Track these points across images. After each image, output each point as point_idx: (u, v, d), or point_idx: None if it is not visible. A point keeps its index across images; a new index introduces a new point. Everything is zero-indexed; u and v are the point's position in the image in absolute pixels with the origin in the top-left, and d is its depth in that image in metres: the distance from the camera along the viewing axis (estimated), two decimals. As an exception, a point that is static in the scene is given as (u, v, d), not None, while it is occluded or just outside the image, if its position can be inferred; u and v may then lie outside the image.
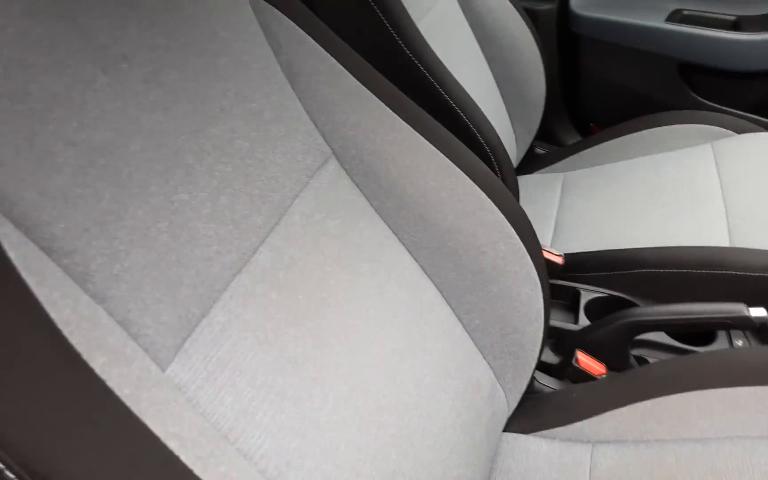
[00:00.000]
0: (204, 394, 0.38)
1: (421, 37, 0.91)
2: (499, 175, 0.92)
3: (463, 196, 0.61)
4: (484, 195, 0.61)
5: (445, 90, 0.90)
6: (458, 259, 0.61)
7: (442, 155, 0.61)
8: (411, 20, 0.90)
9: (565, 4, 1.34)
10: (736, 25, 1.19)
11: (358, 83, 0.59)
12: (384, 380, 0.52)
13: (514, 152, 1.23)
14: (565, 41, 1.37)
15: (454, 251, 0.61)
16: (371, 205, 0.60)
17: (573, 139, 1.43)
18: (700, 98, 1.23)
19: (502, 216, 0.61)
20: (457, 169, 0.61)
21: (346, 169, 0.60)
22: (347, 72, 0.59)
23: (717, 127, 1.06)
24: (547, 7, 1.34)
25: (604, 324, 0.72)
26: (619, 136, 1.15)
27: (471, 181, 0.61)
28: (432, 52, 0.91)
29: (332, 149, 0.59)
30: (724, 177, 0.96)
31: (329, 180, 0.58)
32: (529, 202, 1.13)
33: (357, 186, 0.60)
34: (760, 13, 1.19)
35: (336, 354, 0.49)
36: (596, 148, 1.18)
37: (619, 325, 0.70)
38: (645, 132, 1.12)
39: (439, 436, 0.54)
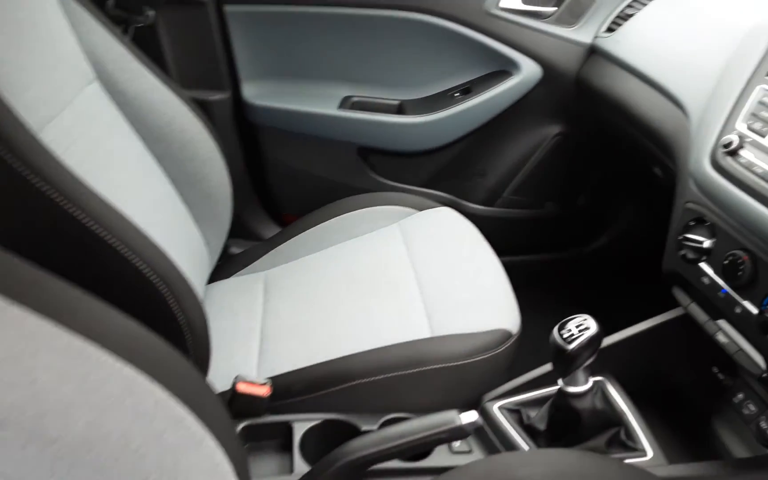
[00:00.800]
0: None
1: (43, 147, 0.67)
2: (178, 313, 0.73)
3: (100, 385, 0.42)
4: (134, 372, 0.44)
5: (89, 215, 0.68)
6: (106, 474, 0.43)
7: (58, 329, 0.42)
8: (22, 125, 0.66)
9: (238, 94, 1.26)
10: (400, 109, 1.27)
11: None
12: None
13: (206, 258, 1.08)
14: (244, 131, 1.29)
15: (97, 467, 0.42)
16: None
17: (271, 231, 1.34)
18: (382, 179, 1.28)
19: (165, 394, 0.45)
20: (87, 344, 0.43)
21: None
22: None
23: (400, 207, 1.09)
24: (218, 97, 1.24)
25: (319, 473, 0.60)
26: (314, 225, 1.11)
27: (113, 357, 0.43)
28: (62, 167, 0.68)
29: None
30: (414, 257, 0.98)
31: None
32: (229, 314, 1.00)
33: None
34: (418, 97, 1.28)
35: None
36: (294, 240, 1.11)
37: (336, 471, 0.59)
38: (336, 219, 1.10)
39: None
